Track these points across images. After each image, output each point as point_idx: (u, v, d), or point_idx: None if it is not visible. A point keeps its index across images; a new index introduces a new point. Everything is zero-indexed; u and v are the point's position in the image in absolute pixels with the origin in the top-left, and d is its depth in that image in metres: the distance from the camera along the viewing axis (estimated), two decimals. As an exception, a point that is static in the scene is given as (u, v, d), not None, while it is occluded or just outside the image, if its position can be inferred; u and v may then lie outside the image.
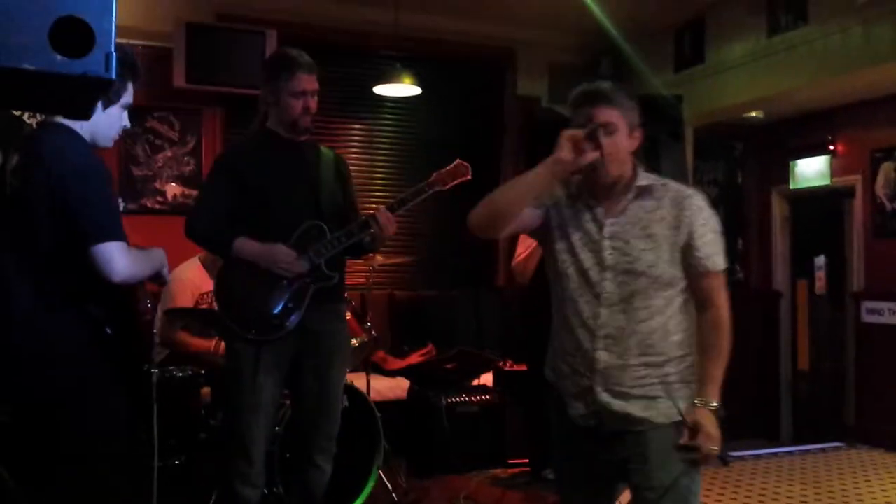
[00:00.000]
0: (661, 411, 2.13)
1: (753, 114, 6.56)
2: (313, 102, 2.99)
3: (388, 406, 4.58)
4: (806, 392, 7.01)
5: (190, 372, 3.63)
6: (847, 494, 4.60)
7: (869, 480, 4.93)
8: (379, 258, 4.50)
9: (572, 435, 2.26)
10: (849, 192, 6.49)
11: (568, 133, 2.10)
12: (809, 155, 6.73)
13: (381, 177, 6.03)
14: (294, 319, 2.92)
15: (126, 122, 2.38)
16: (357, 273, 5.02)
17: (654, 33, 5.95)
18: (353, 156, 5.79)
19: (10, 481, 2.18)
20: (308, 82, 2.96)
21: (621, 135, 2.15)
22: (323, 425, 3.04)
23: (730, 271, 2.23)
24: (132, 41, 4.81)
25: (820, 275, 6.82)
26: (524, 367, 5.00)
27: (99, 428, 2.18)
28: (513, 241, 4.51)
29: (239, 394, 2.93)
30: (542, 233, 2.31)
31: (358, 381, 4.21)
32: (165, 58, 5.05)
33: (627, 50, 5.77)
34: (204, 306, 3.99)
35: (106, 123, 2.29)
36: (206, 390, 3.75)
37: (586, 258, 2.18)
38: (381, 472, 4.04)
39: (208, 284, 3.85)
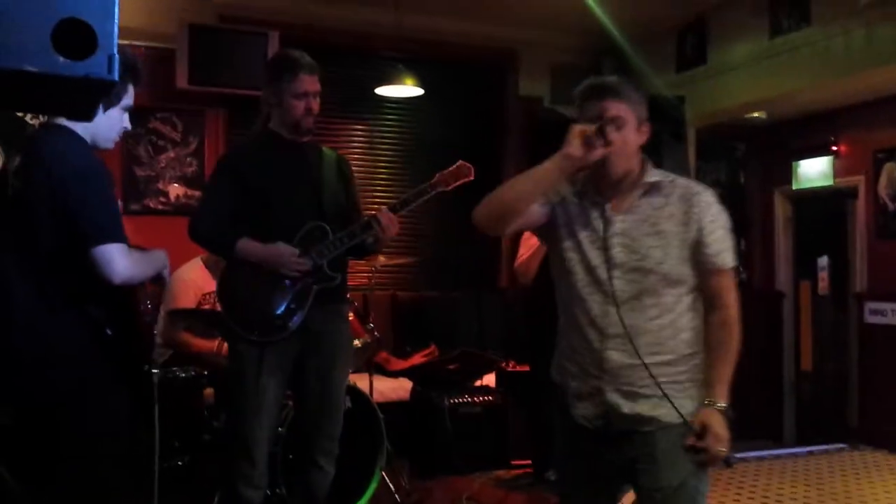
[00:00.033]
0: (670, 411, 2.09)
1: (756, 115, 6.54)
2: (315, 104, 2.99)
3: (390, 407, 4.57)
4: (809, 393, 6.99)
5: (193, 373, 3.63)
6: (850, 496, 4.58)
7: (872, 482, 4.91)
8: (381, 259, 4.51)
9: (575, 435, 2.23)
10: (851, 193, 6.47)
11: (578, 128, 2.06)
12: (812, 156, 6.71)
13: (383, 178, 6.02)
14: (297, 320, 2.93)
15: (127, 124, 2.38)
16: (359, 274, 5.02)
17: (656, 34, 5.95)
18: (355, 157, 5.77)
19: (12, 482, 2.18)
20: (310, 83, 2.96)
21: (630, 129, 2.13)
22: (325, 426, 3.04)
23: (737, 270, 2.21)
24: (135, 42, 4.84)
25: (823, 275, 6.81)
26: (527, 368, 4.99)
27: (99, 428, 2.19)
28: (515, 241, 4.50)
29: (242, 395, 2.94)
30: (548, 230, 2.27)
31: (360, 381, 4.21)
32: (168, 59, 5.05)
33: (629, 50, 5.76)
34: (206, 306, 3.99)
35: (106, 125, 2.30)
36: (209, 391, 3.75)
37: (594, 256, 2.15)
38: (383, 473, 4.03)
39: (211, 285, 3.85)
